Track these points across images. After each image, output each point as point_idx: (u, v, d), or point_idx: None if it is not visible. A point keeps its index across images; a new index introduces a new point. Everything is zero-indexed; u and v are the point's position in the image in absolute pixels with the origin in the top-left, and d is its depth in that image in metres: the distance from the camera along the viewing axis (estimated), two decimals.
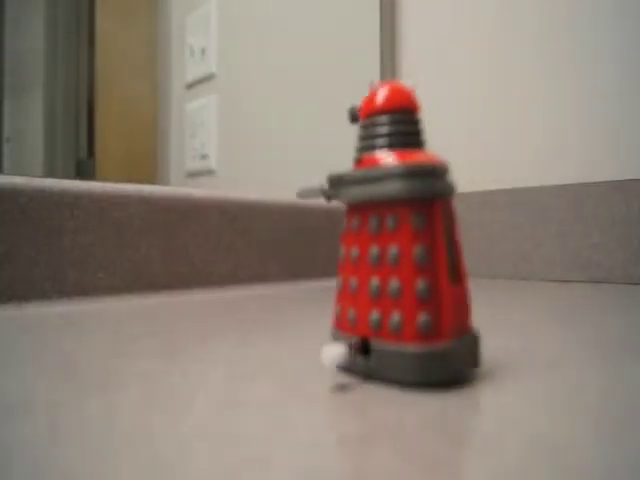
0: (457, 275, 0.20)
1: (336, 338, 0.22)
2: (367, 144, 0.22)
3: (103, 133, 1.26)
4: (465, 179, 0.79)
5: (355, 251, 0.22)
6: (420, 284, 0.19)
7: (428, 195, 0.20)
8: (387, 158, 0.21)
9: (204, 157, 1.27)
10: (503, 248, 0.74)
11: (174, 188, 0.60)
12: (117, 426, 0.15)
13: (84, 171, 1.22)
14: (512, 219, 0.73)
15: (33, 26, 1.18)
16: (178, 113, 1.38)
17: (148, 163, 1.38)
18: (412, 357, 0.19)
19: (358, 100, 0.85)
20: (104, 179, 1.15)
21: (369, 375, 0.20)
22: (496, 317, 0.37)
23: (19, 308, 0.43)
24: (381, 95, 0.22)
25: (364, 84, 0.91)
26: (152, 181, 1.36)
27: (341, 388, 0.19)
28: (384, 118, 0.21)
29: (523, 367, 0.23)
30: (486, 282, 0.69)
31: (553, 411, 0.16)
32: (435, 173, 0.20)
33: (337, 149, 0.92)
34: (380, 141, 0.21)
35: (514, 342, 0.28)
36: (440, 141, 0.83)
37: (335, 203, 0.75)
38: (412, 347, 0.19)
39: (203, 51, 1.30)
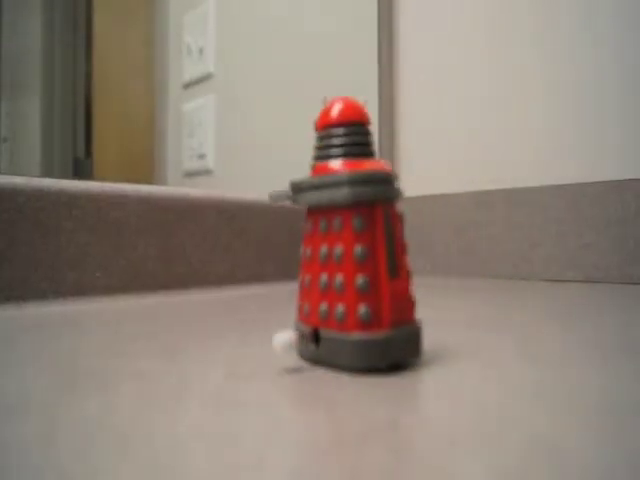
0: (397, 271, 0.22)
1: (297, 329, 0.24)
2: (322, 153, 0.24)
3: (101, 133, 1.26)
4: (464, 179, 0.80)
5: (308, 251, 0.24)
6: (360, 279, 0.21)
7: (369, 200, 0.22)
8: (335, 166, 0.23)
9: (201, 157, 1.27)
10: (502, 248, 0.74)
11: (171, 188, 0.60)
12: (116, 426, 0.15)
13: (82, 171, 1.22)
14: (511, 219, 0.73)
15: (30, 26, 1.18)
16: (175, 113, 1.38)
17: (146, 163, 1.38)
18: (353, 344, 0.21)
19: None
20: (102, 179, 1.15)
21: (318, 361, 0.23)
22: (496, 317, 0.37)
23: (17, 308, 0.44)
24: (335, 109, 0.24)
25: (362, 84, 0.91)
26: (149, 181, 1.36)
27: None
28: (338, 130, 0.23)
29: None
30: (486, 282, 0.69)
31: (552, 410, 0.16)
32: (377, 180, 0.22)
33: None
34: (334, 151, 0.23)
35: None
36: (440, 141, 0.83)
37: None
38: (353, 335, 0.21)
39: (201, 50, 1.30)
